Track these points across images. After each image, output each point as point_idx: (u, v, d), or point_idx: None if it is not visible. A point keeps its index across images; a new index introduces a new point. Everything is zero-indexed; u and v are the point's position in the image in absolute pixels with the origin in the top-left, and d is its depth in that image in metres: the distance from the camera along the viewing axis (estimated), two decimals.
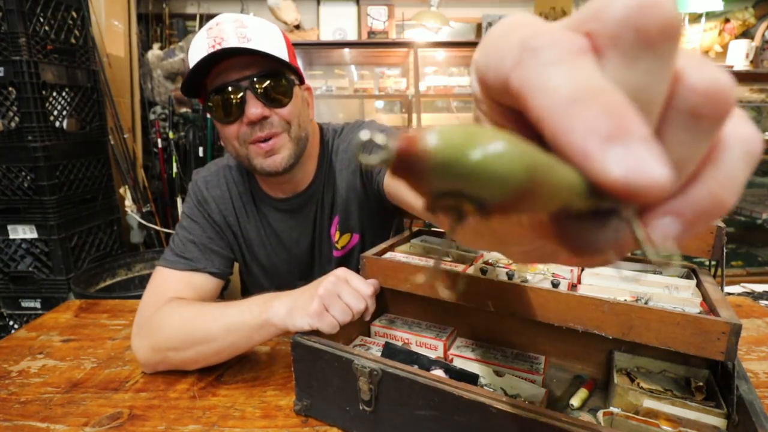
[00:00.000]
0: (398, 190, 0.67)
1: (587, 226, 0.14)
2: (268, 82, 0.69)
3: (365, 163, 0.12)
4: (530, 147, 0.12)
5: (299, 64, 0.77)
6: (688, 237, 0.17)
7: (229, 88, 0.68)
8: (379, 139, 0.12)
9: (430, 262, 0.63)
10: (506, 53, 0.14)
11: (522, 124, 0.15)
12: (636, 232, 0.14)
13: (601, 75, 0.14)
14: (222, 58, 0.67)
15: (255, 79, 0.68)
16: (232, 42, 0.66)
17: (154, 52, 2.43)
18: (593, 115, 0.13)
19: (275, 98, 0.70)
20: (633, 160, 0.12)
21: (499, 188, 0.11)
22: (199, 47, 0.69)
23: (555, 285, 0.54)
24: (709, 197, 0.17)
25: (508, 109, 0.16)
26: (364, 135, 0.12)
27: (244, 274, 0.89)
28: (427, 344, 0.63)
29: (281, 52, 0.70)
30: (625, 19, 0.13)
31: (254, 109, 0.68)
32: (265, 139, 0.70)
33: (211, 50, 0.66)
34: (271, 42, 0.69)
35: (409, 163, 0.11)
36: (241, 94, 0.68)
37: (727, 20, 2.48)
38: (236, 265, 0.89)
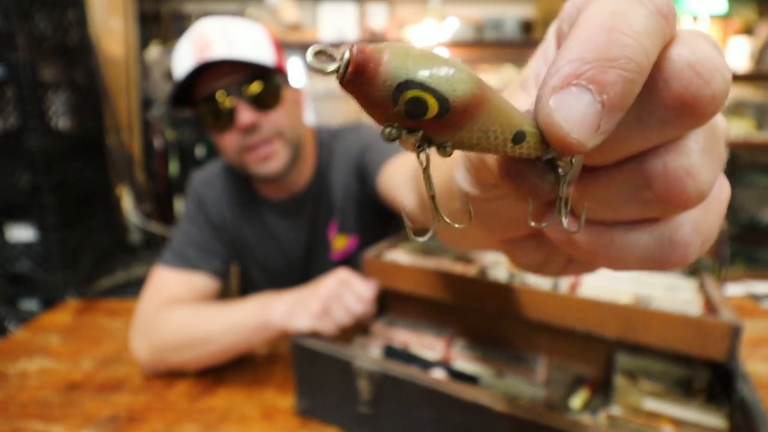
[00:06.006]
0: (390, 189, 0.67)
1: (526, 166, 0.15)
2: (255, 87, 0.68)
3: (315, 68, 0.12)
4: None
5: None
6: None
7: (218, 97, 0.67)
8: (330, 50, 0.12)
9: (431, 262, 0.63)
10: None
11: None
12: (560, 188, 0.15)
13: None
14: (208, 67, 0.67)
15: (242, 86, 0.67)
16: (216, 49, 0.66)
17: (153, 52, 2.43)
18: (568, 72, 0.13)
19: (265, 103, 0.69)
20: (565, 112, 0.13)
21: (450, 88, 0.12)
22: (183, 57, 0.68)
23: (555, 286, 0.54)
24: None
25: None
26: (316, 46, 0.12)
27: (243, 276, 0.89)
28: (427, 345, 0.63)
29: (268, 55, 0.69)
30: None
31: (244, 116, 0.67)
32: (259, 145, 0.70)
33: (196, 60, 0.65)
34: (257, 45, 0.69)
35: (364, 71, 0.12)
36: (230, 102, 0.67)
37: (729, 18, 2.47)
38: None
